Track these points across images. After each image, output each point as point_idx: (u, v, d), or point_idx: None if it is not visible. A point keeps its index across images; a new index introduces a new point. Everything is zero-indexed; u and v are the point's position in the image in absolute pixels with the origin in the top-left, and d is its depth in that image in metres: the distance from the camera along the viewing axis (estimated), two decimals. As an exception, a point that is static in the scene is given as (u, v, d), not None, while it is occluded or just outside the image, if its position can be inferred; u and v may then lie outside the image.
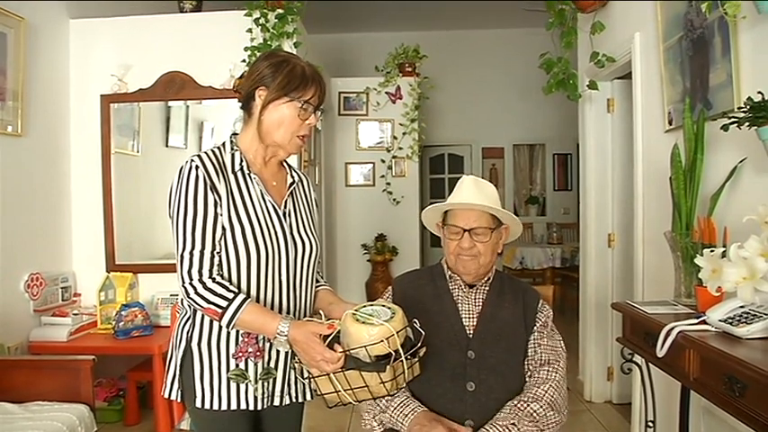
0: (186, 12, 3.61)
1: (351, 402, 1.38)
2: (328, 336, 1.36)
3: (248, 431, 1.53)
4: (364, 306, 1.40)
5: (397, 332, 1.31)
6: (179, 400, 1.54)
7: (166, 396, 1.53)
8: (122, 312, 3.05)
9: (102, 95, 3.48)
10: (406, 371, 1.36)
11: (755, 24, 1.85)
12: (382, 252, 5.50)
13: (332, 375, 1.34)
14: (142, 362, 3.29)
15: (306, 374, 1.41)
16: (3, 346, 2.82)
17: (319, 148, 4.73)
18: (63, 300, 3.30)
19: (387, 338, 1.30)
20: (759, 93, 1.66)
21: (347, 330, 1.34)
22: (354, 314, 1.36)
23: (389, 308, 1.39)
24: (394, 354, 1.31)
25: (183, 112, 3.61)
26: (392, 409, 1.59)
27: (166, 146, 3.61)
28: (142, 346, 3.00)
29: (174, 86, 3.47)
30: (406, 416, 1.56)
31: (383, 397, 1.39)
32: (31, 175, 3.16)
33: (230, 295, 1.39)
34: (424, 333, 1.41)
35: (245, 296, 1.40)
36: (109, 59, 3.49)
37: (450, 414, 1.59)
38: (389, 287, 1.83)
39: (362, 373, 1.32)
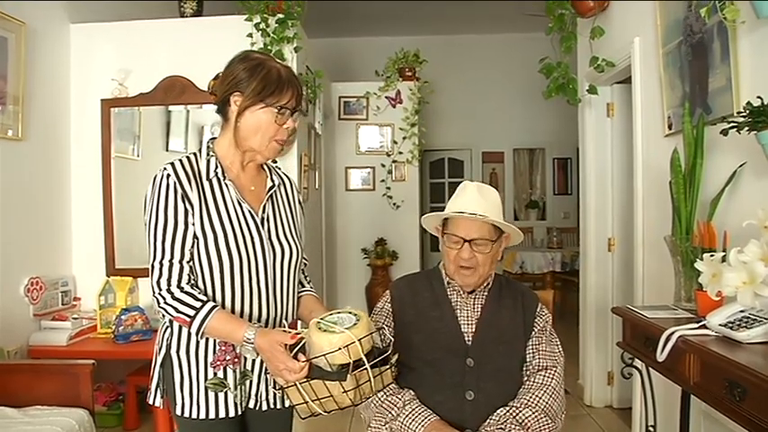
0: (187, 16, 3.62)
1: (321, 413, 1.35)
2: (295, 345, 1.34)
3: None
4: (330, 314, 1.38)
5: (360, 339, 1.29)
6: (162, 406, 1.52)
7: (151, 402, 1.52)
8: (122, 317, 3.04)
9: (102, 100, 3.48)
10: (372, 379, 1.32)
11: (754, 29, 1.85)
12: (382, 256, 5.50)
13: (299, 385, 1.32)
14: (142, 366, 3.28)
15: (277, 385, 1.39)
16: (2, 351, 2.82)
17: (319, 152, 4.72)
18: (63, 304, 3.29)
19: (347, 346, 1.27)
20: (758, 97, 1.66)
21: (310, 339, 1.32)
22: (319, 322, 1.34)
23: (355, 314, 1.36)
24: (355, 362, 1.29)
25: (184, 117, 3.61)
26: (404, 416, 1.56)
27: (167, 150, 3.61)
28: (142, 351, 2.97)
29: (175, 91, 3.47)
30: (420, 423, 1.53)
31: (348, 407, 1.35)
32: (32, 180, 3.16)
33: (198, 304, 1.37)
34: (392, 340, 1.39)
35: (213, 304, 1.39)
36: (109, 64, 3.49)
37: (449, 423, 1.57)
38: (386, 292, 1.80)
39: (326, 382, 1.29)
